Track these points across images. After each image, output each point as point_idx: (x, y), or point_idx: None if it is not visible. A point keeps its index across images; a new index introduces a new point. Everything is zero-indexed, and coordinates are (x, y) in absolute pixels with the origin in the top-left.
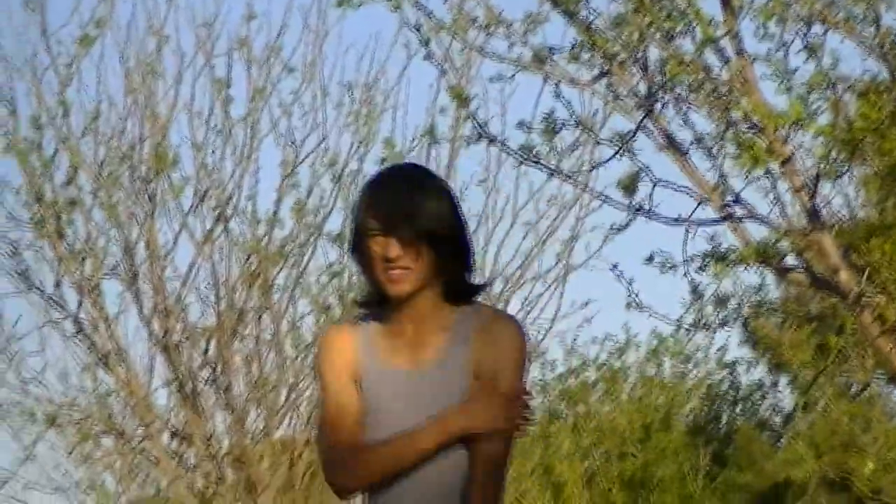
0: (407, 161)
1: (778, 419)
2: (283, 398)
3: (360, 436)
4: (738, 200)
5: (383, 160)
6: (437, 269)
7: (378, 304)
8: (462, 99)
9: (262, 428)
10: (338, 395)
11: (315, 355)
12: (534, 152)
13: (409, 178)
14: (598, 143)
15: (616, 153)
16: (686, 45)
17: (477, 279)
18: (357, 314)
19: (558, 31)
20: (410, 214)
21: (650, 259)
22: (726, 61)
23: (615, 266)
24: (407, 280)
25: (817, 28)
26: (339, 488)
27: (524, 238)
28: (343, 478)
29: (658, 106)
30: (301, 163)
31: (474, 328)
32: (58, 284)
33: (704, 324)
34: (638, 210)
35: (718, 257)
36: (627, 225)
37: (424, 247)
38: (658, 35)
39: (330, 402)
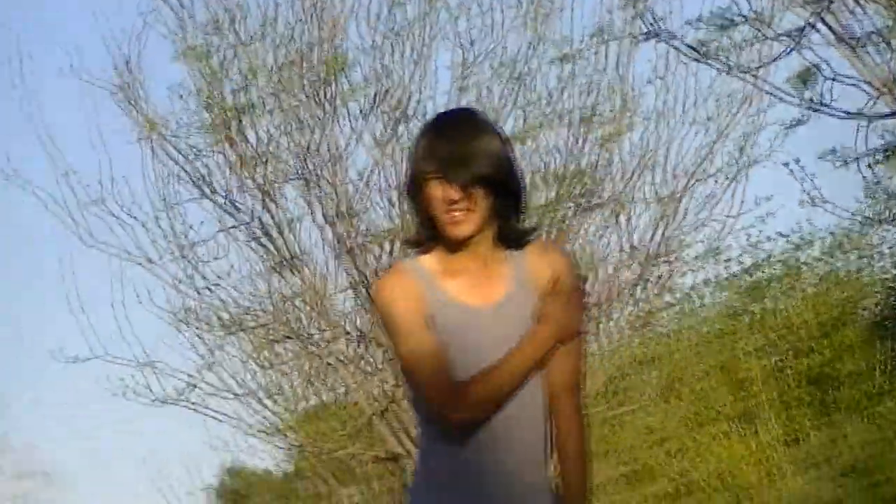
0: (462, 107)
1: None
2: None
3: (451, 378)
4: None
5: (558, 59)
6: (493, 213)
7: (426, 246)
8: None
9: None
10: (422, 336)
11: (381, 304)
12: (707, 49)
13: (466, 123)
14: (772, 39)
15: (790, 49)
16: None
17: (526, 223)
18: (408, 259)
19: None
20: (468, 158)
21: (829, 153)
22: None
23: (795, 161)
24: (469, 221)
25: None
26: (459, 422)
27: (700, 135)
28: (465, 410)
29: (831, 0)
30: (475, 64)
31: (530, 262)
32: (237, 190)
33: (882, 218)
34: (812, 105)
35: (894, 151)
36: (803, 120)
37: (481, 190)
38: None
39: (418, 344)
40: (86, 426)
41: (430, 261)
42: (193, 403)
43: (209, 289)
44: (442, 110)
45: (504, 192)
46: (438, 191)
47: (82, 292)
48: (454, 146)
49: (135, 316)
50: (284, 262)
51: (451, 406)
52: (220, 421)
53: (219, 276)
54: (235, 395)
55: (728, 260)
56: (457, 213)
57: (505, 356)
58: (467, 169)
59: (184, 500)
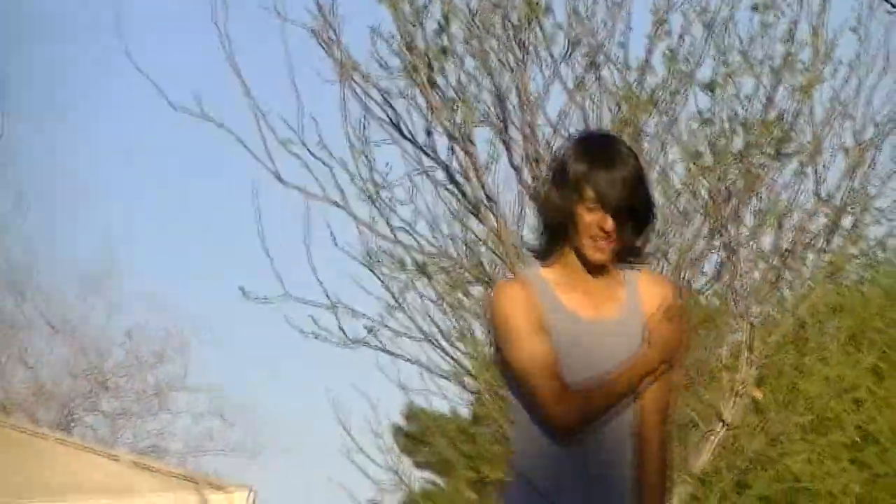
0: (604, 130)
1: None
2: (651, 246)
3: (564, 386)
4: None
5: (754, 7)
6: (628, 241)
7: (548, 259)
8: None
9: None
10: (538, 341)
11: (498, 308)
12: None
13: (620, 151)
14: None
15: None
16: None
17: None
18: (530, 269)
19: None
20: (633, 206)
21: None
22: None
23: None
24: (609, 250)
25: None
26: (566, 429)
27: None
28: (573, 418)
29: None
30: (673, 9)
31: (642, 288)
32: (429, 133)
33: None
34: None
35: None
36: None
37: (627, 220)
38: None
39: (534, 348)
40: (272, 366)
41: (550, 272)
42: (381, 344)
43: (404, 229)
44: (588, 131)
45: (642, 220)
46: (591, 216)
47: (273, 232)
48: (615, 174)
49: (324, 257)
50: (474, 207)
51: (562, 412)
52: (407, 361)
53: (409, 219)
54: (422, 337)
55: None
56: (603, 243)
57: (614, 372)
58: (629, 215)
59: (369, 440)
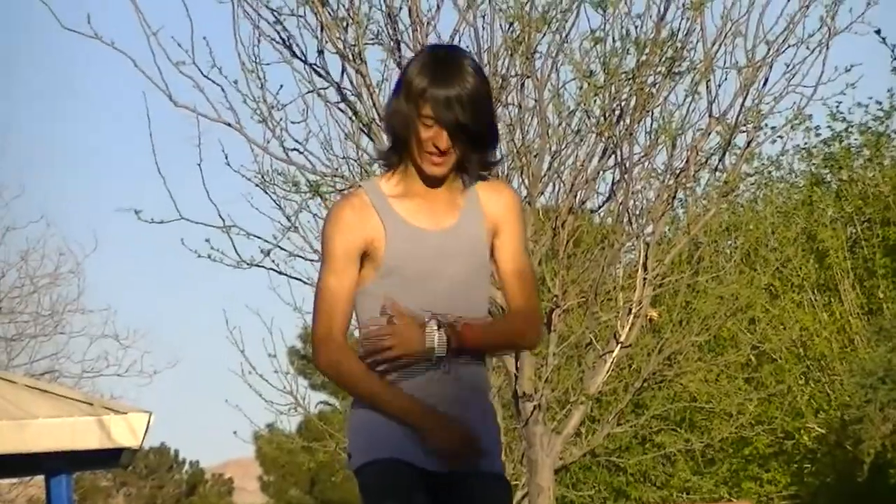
0: (453, 45)
1: None
2: (545, 165)
3: (346, 328)
4: None
5: None
6: (466, 154)
7: (393, 162)
8: None
9: (524, 196)
10: (339, 275)
11: (324, 231)
12: None
13: (463, 68)
14: None
15: None
16: None
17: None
18: (367, 182)
19: None
20: (468, 121)
21: None
22: None
23: (879, 31)
24: (446, 165)
25: None
26: (316, 366)
27: (786, 4)
28: (319, 364)
29: None
30: None
31: (482, 196)
32: (320, 52)
33: None
34: None
35: None
36: None
37: (465, 138)
38: None
39: (330, 280)
40: (166, 288)
41: (390, 184)
42: (275, 265)
43: (297, 150)
44: (436, 46)
45: (482, 142)
46: (428, 132)
47: (166, 155)
48: (452, 93)
49: (218, 179)
50: (367, 126)
51: (316, 351)
52: (301, 281)
53: (302, 140)
54: (316, 257)
55: (811, 129)
56: (437, 158)
57: (382, 386)
58: (465, 131)
59: (265, 362)
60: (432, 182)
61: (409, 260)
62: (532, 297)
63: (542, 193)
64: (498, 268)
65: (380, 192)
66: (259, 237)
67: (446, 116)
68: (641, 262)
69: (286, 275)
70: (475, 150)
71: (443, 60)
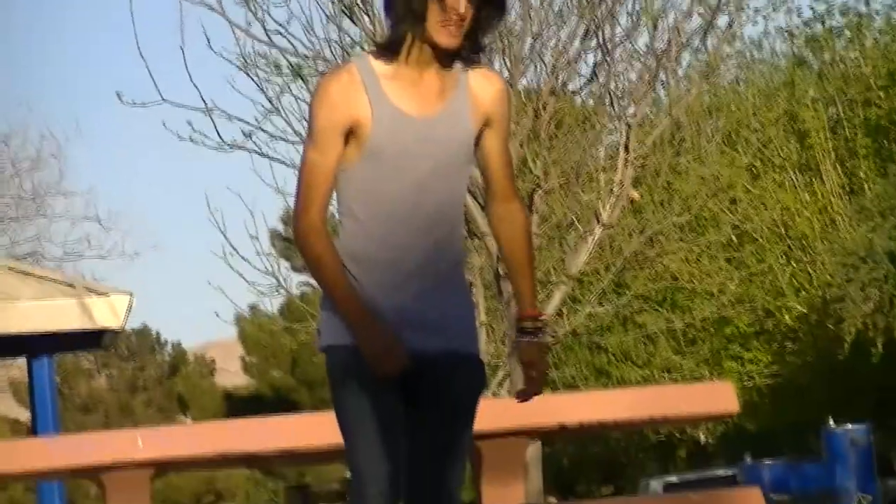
0: None
1: None
2: (527, 47)
3: (326, 205)
4: None
5: None
6: (479, 24)
7: (396, 51)
8: None
9: (506, 78)
10: (323, 150)
11: (312, 103)
12: None
13: None
14: None
15: None
16: None
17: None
18: (359, 57)
19: None
20: None
21: None
22: None
23: None
24: (460, 34)
25: None
26: (295, 240)
27: None
28: (294, 236)
29: None
30: None
31: (473, 84)
32: None
33: None
34: None
35: None
36: None
37: (478, 3)
38: None
39: (312, 155)
40: (150, 171)
41: (382, 64)
42: (257, 147)
43: (279, 32)
44: None
45: (491, 13)
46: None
47: (147, 37)
48: None
49: (200, 63)
50: (349, 8)
51: (294, 223)
52: (283, 164)
53: (284, 22)
54: (298, 139)
55: (792, 11)
56: (453, 26)
57: (330, 265)
58: None
59: (246, 244)
60: (422, 59)
61: (393, 144)
62: (516, 189)
63: (524, 75)
64: (485, 157)
65: (371, 69)
66: (241, 119)
67: None
68: (623, 143)
69: (268, 157)
70: (488, 24)
71: None
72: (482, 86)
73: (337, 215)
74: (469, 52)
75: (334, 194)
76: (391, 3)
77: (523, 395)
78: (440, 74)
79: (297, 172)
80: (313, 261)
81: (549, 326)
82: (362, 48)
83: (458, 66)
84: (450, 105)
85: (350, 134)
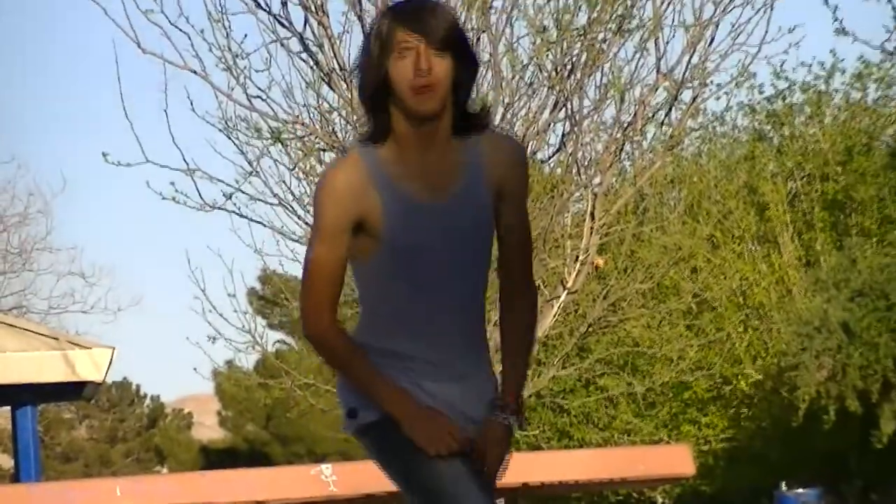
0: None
1: None
2: (499, 117)
3: (336, 300)
4: None
5: None
6: (454, 88)
7: (380, 141)
8: None
9: None
10: (330, 245)
11: (316, 198)
12: None
13: (436, 5)
14: None
15: None
16: None
17: (479, 112)
18: (363, 147)
19: None
20: (440, 21)
21: None
22: None
23: None
24: (435, 97)
25: None
26: (307, 338)
27: None
28: (306, 335)
29: None
30: None
31: (484, 152)
32: (284, 3)
33: None
34: None
35: None
36: None
37: (447, 61)
38: None
39: (320, 251)
40: (132, 230)
41: (384, 150)
42: (237, 208)
43: (260, 97)
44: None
45: (465, 66)
46: (404, 61)
47: (134, 100)
48: (425, 11)
49: (183, 126)
50: (328, 76)
51: (304, 323)
52: (262, 224)
53: (265, 87)
54: (276, 202)
55: (754, 87)
56: (425, 87)
57: (354, 360)
58: (443, 31)
59: (225, 302)
60: (422, 139)
61: (406, 236)
62: (532, 274)
63: None
64: (501, 231)
65: (375, 156)
66: (222, 181)
67: (421, 26)
68: (589, 211)
69: (248, 218)
70: (459, 75)
71: (409, 2)
72: (493, 149)
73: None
74: (468, 117)
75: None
76: (360, 89)
77: (476, 465)
78: (449, 148)
79: (302, 268)
80: (333, 357)
81: (524, 419)
82: (339, 115)
83: (472, 136)
84: (462, 181)
85: (359, 227)
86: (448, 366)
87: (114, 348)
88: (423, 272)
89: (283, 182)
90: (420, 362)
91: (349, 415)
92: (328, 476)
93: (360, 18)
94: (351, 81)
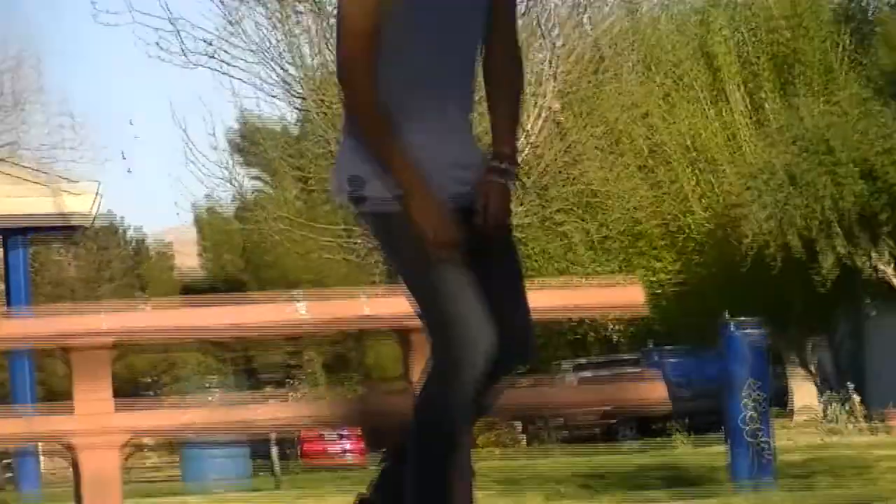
0: None
1: None
2: None
3: (374, 49)
4: None
5: None
6: None
7: None
8: None
9: None
10: None
11: None
12: None
13: None
14: None
15: None
16: None
17: None
18: None
19: None
20: None
21: None
22: None
23: None
24: None
25: None
26: (341, 63)
27: None
28: (345, 85)
29: None
30: None
31: None
32: None
33: None
34: None
35: None
36: None
37: None
38: None
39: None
40: (120, 81)
41: None
42: (219, 62)
43: None
44: None
45: None
46: None
47: None
48: None
49: None
50: None
51: (341, 72)
52: (241, 79)
53: None
54: (255, 59)
55: None
56: None
57: (391, 134)
58: None
59: (207, 148)
60: None
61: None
62: (517, 32)
63: None
64: None
65: None
66: (204, 28)
67: None
68: (548, 59)
69: (228, 74)
70: None
71: None
72: None
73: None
74: None
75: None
76: None
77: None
78: None
79: (336, 21)
80: (366, 119)
81: (519, 172)
82: None
83: None
84: None
85: None
86: (441, 113)
87: (100, 186)
88: (433, 20)
89: (262, 32)
90: (416, 111)
91: (352, 183)
92: (300, 307)
93: None
94: None
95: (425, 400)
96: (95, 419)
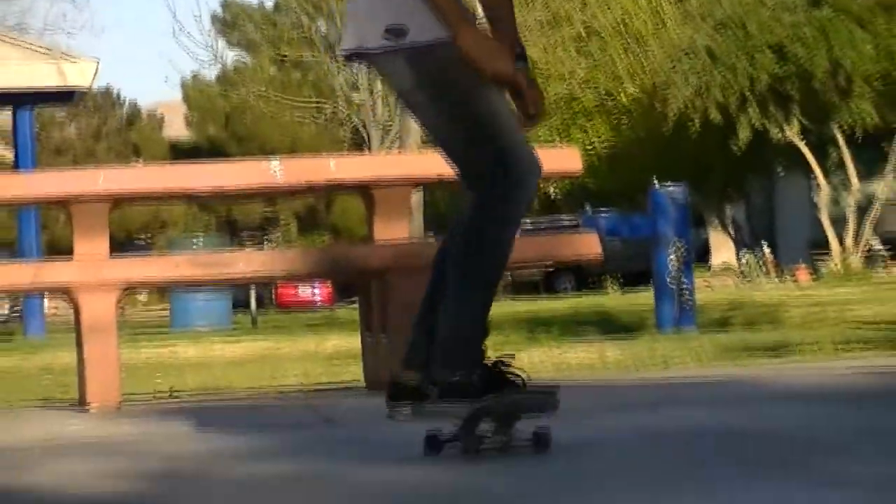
0: None
1: None
2: None
3: None
4: None
5: None
6: None
7: None
8: None
9: None
10: None
11: None
12: None
13: None
14: None
15: None
16: None
17: None
18: None
19: None
20: None
21: None
22: None
23: None
24: None
25: None
26: None
27: None
28: None
29: None
30: None
31: None
32: None
33: None
34: None
35: None
36: None
37: None
38: None
39: None
40: None
41: None
42: None
43: None
44: None
45: None
46: None
47: None
48: None
49: None
50: None
51: None
52: None
53: None
54: None
55: None
56: None
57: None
58: None
59: (191, 24)
60: None
61: None
62: None
63: None
64: None
65: None
66: None
67: None
68: None
69: None
70: None
71: None
72: None
73: None
74: None
75: None
76: None
77: (529, 121)
78: None
79: None
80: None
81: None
82: None
83: None
84: None
85: None
86: None
87: (98, 60)
88: None
89: None
90: None
91: (394, 32)
92: (275, 168)
93: None
94: None
95: (482, 222)
96: (93, 268)
